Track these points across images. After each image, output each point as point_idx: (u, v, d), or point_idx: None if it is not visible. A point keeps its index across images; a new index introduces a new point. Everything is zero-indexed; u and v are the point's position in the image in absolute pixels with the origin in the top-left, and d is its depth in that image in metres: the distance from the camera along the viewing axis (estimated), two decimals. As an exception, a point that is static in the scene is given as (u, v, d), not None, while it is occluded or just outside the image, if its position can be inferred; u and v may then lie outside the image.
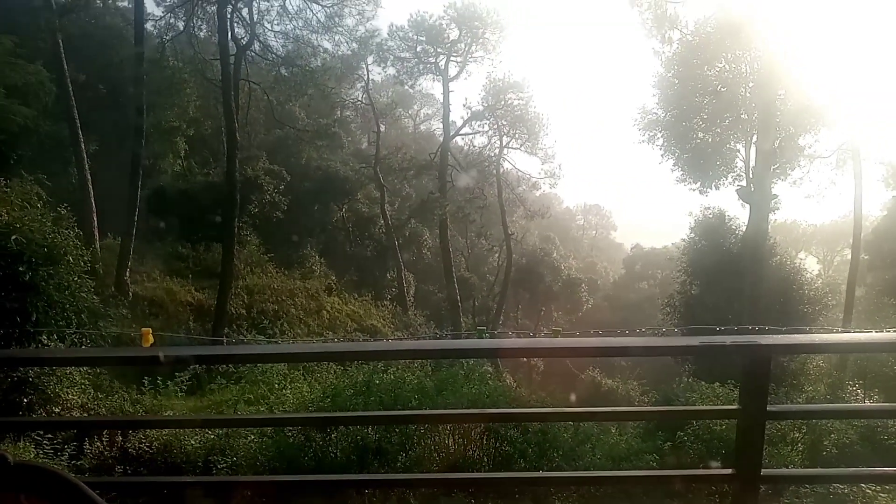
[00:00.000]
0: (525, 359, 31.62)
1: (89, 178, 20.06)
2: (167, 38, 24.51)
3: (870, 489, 9.62)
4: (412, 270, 33.01)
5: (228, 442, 11.22)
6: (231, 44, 22.78)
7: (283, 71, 27.19)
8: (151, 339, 13.14)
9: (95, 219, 19.89)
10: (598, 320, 37.12)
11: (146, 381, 13.60)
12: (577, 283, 37.28)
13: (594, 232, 65.02)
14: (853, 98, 24.86)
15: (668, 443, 13.37)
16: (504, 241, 35.46)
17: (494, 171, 35.54)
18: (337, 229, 31.24)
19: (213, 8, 23.27)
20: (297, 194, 27.37)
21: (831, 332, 16.99)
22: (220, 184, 22.74)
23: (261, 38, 25.82)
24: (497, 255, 39.78)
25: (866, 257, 27.30)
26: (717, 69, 25.30)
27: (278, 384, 13.44)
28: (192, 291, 21.09)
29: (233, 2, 23.06)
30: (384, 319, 26.50)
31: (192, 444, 10.88)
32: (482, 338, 18.47)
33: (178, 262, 22.31)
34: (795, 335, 2.17)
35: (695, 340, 2.11)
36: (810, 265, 35.18)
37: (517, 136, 35.61)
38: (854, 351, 12.75)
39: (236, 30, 24.39)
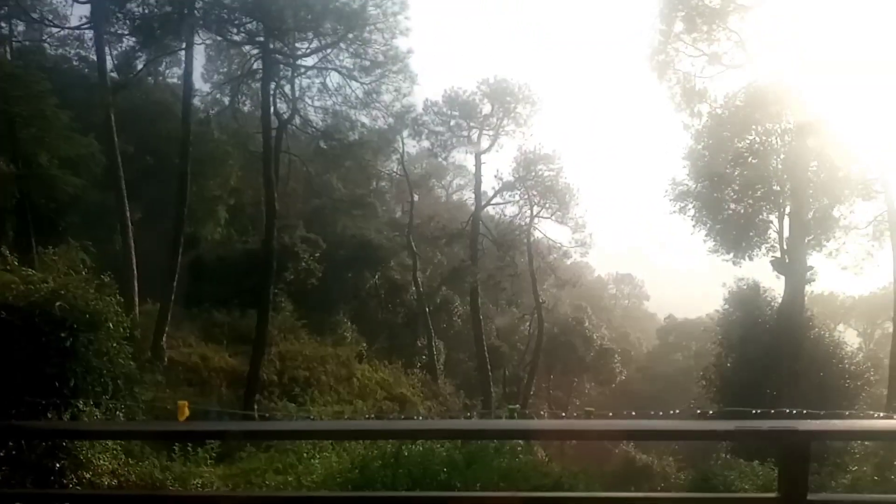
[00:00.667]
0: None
1: (132, 245, 20.73)
2: (213, 111, 25.63)
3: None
4: (442, 338, 32.93)
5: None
6: (273, 118, 23.74)
7: (322, 144, 28.12)
8: (188, 412, 13.21)
9: (137, 285, 20.41)
10: (632, 392, 36.30)
11: (176, 448, 13.63)
12: (610, 353, 36.70)
13: (626, 301, 64.30)
14: (887, 168, 24.72)
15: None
16: (535, 309, 35.30)
17: (525, 240, 35.79)
18: (369, 296, 31.52)
19: (258, 85, 24.38)
20: (331, 262, 27.84)
21: (873, 416, 16.39)
22: (258, 251, 23.29)
23: (301, 113, 26.86)
24: (528, 323, 39.53)
25: (909, 330, 26.49)
26: (748, 141, 25.47)
27: (307, 453, 13.36)
28: (226, 357, 21.30)
29: (276, 79, 24.15)
30: (413, 388, 26.30)
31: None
32: (513, 417, 18.21)
33: (213, 328, 22.65)
34: (834, 420, 2.18)
35: (730, 425, 2.12)
36: (850, 339, 34.16)
37: (547, 205, 35.99)
38: (891, 438, 12.24)
39: (278, 105, 25.46)
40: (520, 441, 14.20)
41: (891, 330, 26.48)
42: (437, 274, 36.35)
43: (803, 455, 2.06)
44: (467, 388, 31.18)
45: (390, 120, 28.67)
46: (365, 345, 26.94)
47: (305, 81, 26.66)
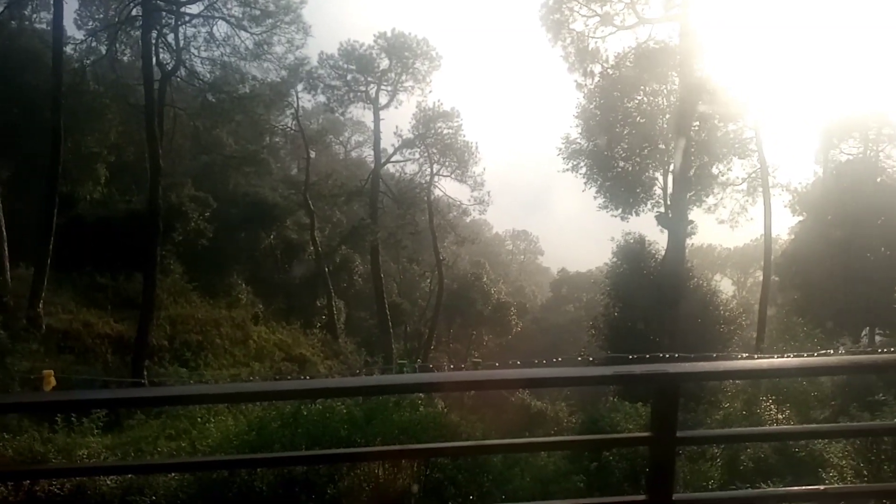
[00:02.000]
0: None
1: (-1, 205, 19.07)
2: (88, 61, 23.69)
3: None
4: (343, 297, 32.68)
5: (147, 481, 10.76)
6: (155, 69, 22.24)
7: (209, 97, 26.71)
8: (53, 382, 12.39)
9: (6, 248, 18.85)
10: (528, 342, 37.68)
11: (59, 419, 12.91)
12: (507, 306, 37.79)
13: (522, 257, 66.25)
14: (762, 129, 26.52)
15: (595, 463, 13.66)
16: (435, 266, 35.67)
17: (425, 198, 35.82)
18: (265, 256, 30.65)
19: (138, 33, 22.69)
20: (223, 221, 26.74)
21: (738, 357, 17.87)
22: (142, 211, 21.98)
23: (187, 64, 25.33)
24: (429, 280, 39.94)
25: (776, 279, 28.90)
26: (637, 101, 26.53)
27: (201, 418, 12.99)
28: (111, 323, 20.18)
29: (158, 27, 22.56)
30: (314, 348, 26.06)
31: (107, 485, 10.37)
32: (403, 371, 18.45)
33: (96, 293, 21.33)
34: (702, 363, 2.31)
35: (609, 370, 2.22)
36: (725, 287, 36.91)
37: (447, 163, 36.09)
38: (756, 377, 13.41)
39: (161, 55, 23.86)
40: (419, 395, 14.45)
41: (761, 279, 28.84)
42: (335, 233, 35.83)
43: (673, 395, 2.17)
44: (369, 346, 31.24)
45: (283, 73, 27.62)
46: (261, 306, 26.30)
47: (191, 30, 25.14)
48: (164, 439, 13.97)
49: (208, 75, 26.60)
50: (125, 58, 26.81)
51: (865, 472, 10.92)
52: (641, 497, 2.26)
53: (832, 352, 18.45)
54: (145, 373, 18.30)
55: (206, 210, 25.78)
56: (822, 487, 2.89)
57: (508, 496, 10.75)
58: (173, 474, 10.95)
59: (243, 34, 24.70)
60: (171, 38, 24.35)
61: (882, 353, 16.94)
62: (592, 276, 38.62)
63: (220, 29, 24.88)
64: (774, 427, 12.14)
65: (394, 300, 34.93)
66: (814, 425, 10.66)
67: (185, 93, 27.53)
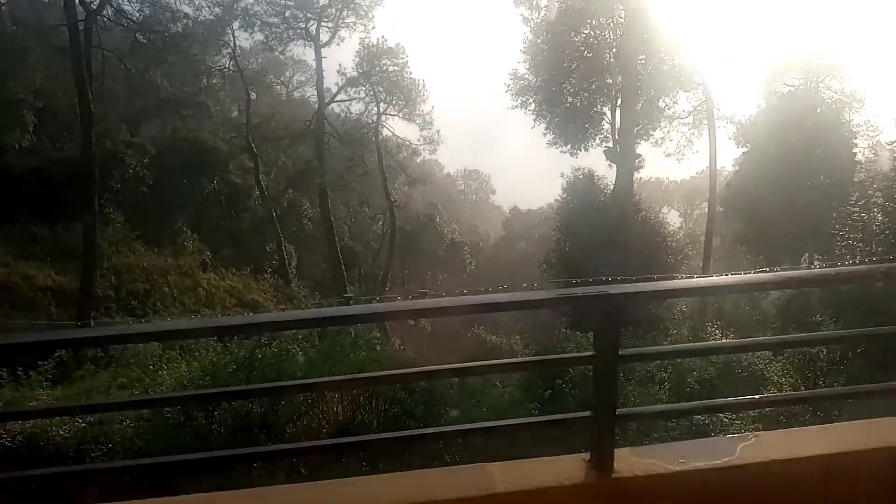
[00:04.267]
0: (412, 321, 31.97)
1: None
2: (3, 2, 22.09)
3: (726, 417, 10.70)
4: (293, 242, 32.25)
5: (102, 429, 10.63)
6: (79, 8, 20.87)
7: (140, 37, 25.30)
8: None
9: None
10: (482, 281, 38.13)
11: (4, 374, 12.55)
12: (461, 246, 37.99)
13: (474, 196, 66.32)
14: (707, 62, 26.72)
15: (549, 391, 14.08)
16: (387, 208, 35.36)
17: (373, 139, 35.16)
18: (209, 203, 29.82)
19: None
20: (163, 167, 25.79)
21: (681, 279, 18.44)
22: (77, 159, 20.99)
23: (113, 3, 23.85)
24: (381, 222, 39.69)
25: (721, 210, 29.72)
26: (584, 35, 26.24)
27: (153, 365, 12.80)
28: (53, 275, 19.52)
29: (78, -39, 21.11)
30: (266, 293, 25.83)
31: (61, 435, 10.21)
32: (349, 304, 18.42)
33: (33, 245, 20.51)
34: (643, 283, 2.35)
35: (552, 293, 2.23)
36: (673, 219, 37.88)
37: (394, 102, 35.30)
38: (694, 295, 13.86)
39: (85, -7, 22.39)
40: (376, 334, 14.52)
41: (707, 210, 29.60)
42: (282, 176, 35.02)
43: (615, 315, 2.19)
44: (323, 290, 31.08)
45: (217, 10, 26.34)
46: (209, 253, 25.77)
47: (116, -35, 23.58)
48: (115, 388, 13.74)
49: (137, 14, 25.15)
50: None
51: (802, 387, 11.59)
52: (587, 413, 2.31)
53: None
54: (92, 324, 17.88)
55: (144, 156, 24.80)
56: (756, 397, 3.01)
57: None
58: (128, 422, 10.83)
59: (171, -32, 23.36)
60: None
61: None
62: (544, 212, 39.01)
63: (148, -36, 23.48)
64: (711, 342, 12.66)
65: (346, 243, 34.66)
66: (747, 339, 11.19)
67: (114, 34, 26.00)
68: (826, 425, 2.67)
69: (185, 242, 25.13)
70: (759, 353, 14.24)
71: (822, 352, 13.44)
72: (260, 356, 12.20)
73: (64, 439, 10.68)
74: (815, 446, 2.45)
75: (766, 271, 17.29)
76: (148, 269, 21.72)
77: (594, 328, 2.25)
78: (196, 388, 11.18)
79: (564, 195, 25.24)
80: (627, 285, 2.23)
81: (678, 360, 11.95)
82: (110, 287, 20.20)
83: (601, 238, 22.04)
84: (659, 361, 11.79)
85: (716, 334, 17.16)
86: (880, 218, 17.53)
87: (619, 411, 2.28)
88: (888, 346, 11.02)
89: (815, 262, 26.87)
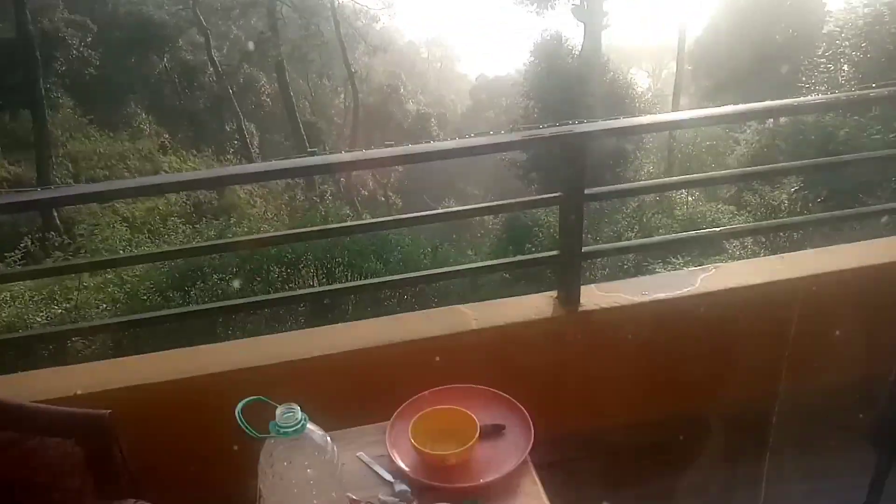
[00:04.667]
0: (381, 196, 31.97)
1: None
2: None
3: (674, 259, 11.29)
4: (253, 120, 31.24)
5: (80, 313, 10.74)
6: None
7: None
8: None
9: None
10: (450, 153, 37.80)
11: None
12: (427, 117, 37.16)
13: (439, 65, 64.05)
14: None
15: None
16: (348, 79, 34.13)
17: (328, 5, 33.25)
18: (162, 82, 28.43)
19: None
20: (108, 47, 24.24)
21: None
22: (13, 40, 19.61)
23: None
24: (342, 96, 38.47)
25: (690, 68, 29.28)
26: None
27: (122, 251, 12.75)
28: (6, 165, 18.84)
29: None
30: (231, 174, 25.32)
31: (38, 320, 10.33)
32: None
33: (-21, 135, 19.64)
34: (608, 121, 2.34)
35: (517, 135, 2.20)
36: (641, 80, 37.30)
37: (348, -37, 33.14)
38: (655, 130, 13.95)
39: None
40: (346, 211, 14.49)
41: (675, 69, 29.15)
42: (235, 51, 33.24)
43: (580, 153, 2.19)
44: (288, 168, 30.55)
45: None
46: (167, 136, 24.93)
47: None
48: (88, 277, 13.70)
49: None
50: None
51: (763, 240, 12.04)
52: (554, 252, 2.38)
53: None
54: (55, 212, 17.52)
55: (86, 35, 23.22)
56: (717, 229, 3.11)
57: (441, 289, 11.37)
58: (104, 306, 10.94)
59: None
60: None
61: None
62: (511, 78, 38.00)
63: None
64: (675, 177, 12.96)
65: (307, 119, 33.71)
66: (711, 173, 11.62)
67: None
68: (784, 255, 2.79)
69: (141, 125, 24.19)
70: (720, 207, 14.66)
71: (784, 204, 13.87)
72: (231, 235, 12.20)
73: (42, 324, 10.80)
74: (776, 273, 2.57)
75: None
76: (105, 155, 21.02)
77: (560, 168, 2.26)
78: (168, 271, 11.21)
79: (532, 58, 24.54)
80: (592, 123, 2.21)
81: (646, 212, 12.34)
82: (68, 175, 19.61)
83: (569, 101, 21.75)
84: (622, 200, 12.14)
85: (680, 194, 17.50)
86: (846, 69, 17.48)
87: (584, 249, 2.35)
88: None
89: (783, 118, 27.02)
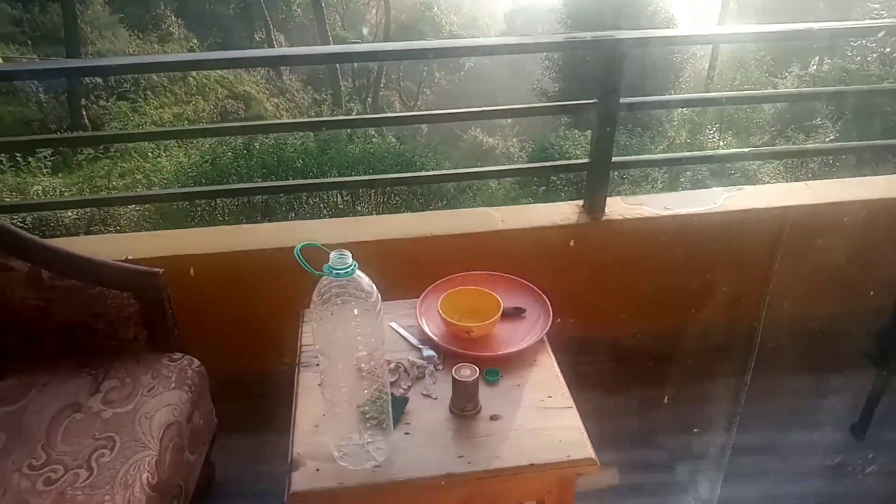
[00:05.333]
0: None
1: None
2: None
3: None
4: (282, 31, 30.74)
5: (109, 213, 10.99)
6: None
7: None
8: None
9: None
10: (480, 81, 37.11)
11: (3, 159, 12.67)
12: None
13: (475, -14, 62.10)
14: None
15: (543, 188, 14.40)
16: (381, -5, 33.34)
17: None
18: (193, -15, 27.92)
19: None
20: (140, -56, 23.76)
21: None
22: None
23: None
24: (374, 11, 37.58)
25: (735, 7, 28.10)
26: None
27: (152, 153, 12.92)
28: (37, 59, 18.87)
29: None
30: (258, 85, 25.13)
31: (69, 217, 10.59)
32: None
33: (11, 27, 19.55)
34: (648, 31, 2.35)
35: (559, 37, 2.22)
36: (683, 11, 35.83)
37: None
38: (700, 42, 13.64)
39: None
40: (372, 132, 14.49)
41: (719, 4, 27.98)
42: (268, -44, 32.42)
43: (619, 60, 2.22)
44: (315, 84, 30.23)
45: None
46: (195, 41, 24.68)
47: None
48: (116, 176, 13.97)
49: None
50: None
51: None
52: (585, 160, 2.45)
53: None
54: (83, 112, 17.67)
55: (118, -70, 22.74)
56: (747, 150, 3.15)
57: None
58: (133, 206, 11.17)
59: None
60: None
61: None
62: (549, 5, 36.78)
63: None
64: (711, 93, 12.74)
65: (337, 33, 33.10)
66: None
67: None
68: (810, 181, 2.83)
69: (170, 28, 23.93)
70: (752, 151, 14.31)
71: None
72: (258, 146, 12.26)
73: (73, 221, 11.09)
74: (800, 198, 2.62)
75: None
76: (135, 56, 20.95)
77: (598, 76, 2.30)
78: (197, 174, 11.40)
79: (570, -19, 23.70)
80: (634, 31, 2.24)
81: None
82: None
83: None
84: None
85: (713, 137, 17.17)
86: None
87: (614, 159, 2.42)
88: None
89: (825, 65, 26.07)
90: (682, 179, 13.91)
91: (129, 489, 1.46)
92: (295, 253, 1.19)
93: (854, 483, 2.17)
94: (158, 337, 1.90)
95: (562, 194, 13.36)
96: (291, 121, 15.87)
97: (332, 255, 1.17)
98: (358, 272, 1.19)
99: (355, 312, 1.19)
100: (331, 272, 1.16)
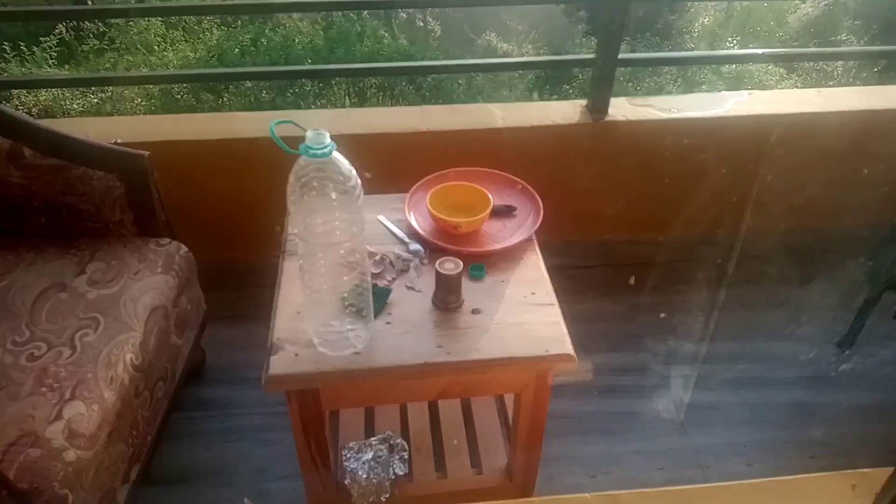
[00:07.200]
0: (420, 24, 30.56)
1: None
2: None
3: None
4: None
5: (115, 106, 10.86)
6: None
7: None
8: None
9: None
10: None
11: (6, 48, 12.37)
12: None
13: None
14: None
15: (555, 96, 14.05)
16: None
17: None
18: None
19: None
20: None
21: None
22: None
23: None
24: None
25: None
26: None
27: (158, 46, 12.59)
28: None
29: None
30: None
31: (74, 108, 10.48)
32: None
33: None
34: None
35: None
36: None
37: None
38: None
39: None
40: (383, 31, 14.03)
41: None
42: None
43: (622, 18, 2.08)
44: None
45: None
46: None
47: None
48: (123, 70, 13.66)
49: None
50: None
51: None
52: (591, 56, 2.34)
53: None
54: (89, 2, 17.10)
55: None
56: (760, 51, 3.02)
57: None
58: (139, 100, 11.01)
59: None
60: None
61: None
62: None
63: None
64: (715, 51, 12.29)
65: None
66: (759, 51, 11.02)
67: None
68: (822, 89, 2.71)
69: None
70: (770, 69, 13.87)
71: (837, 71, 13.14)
72: (265, 42, 11.95)
73: (78, 112, 10.96)
74: (810, 105, 2.52)
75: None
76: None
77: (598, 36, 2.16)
78: (203, 74, 11.13)
79: None
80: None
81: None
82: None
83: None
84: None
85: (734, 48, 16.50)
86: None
87: (620, 56, 2.31)
88: None
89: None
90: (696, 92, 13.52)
91: (113, 368, 1.48)
92: (269, 129, 1.14)
93: (836, 393, 2.20)
94: (145, 221, 1.89)
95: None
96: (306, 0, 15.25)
97: (309, 132, 1.12)
98: (337, 154, 1.14)
99: (333, 196, 1.15)
100: (307, 151, 1.11)
